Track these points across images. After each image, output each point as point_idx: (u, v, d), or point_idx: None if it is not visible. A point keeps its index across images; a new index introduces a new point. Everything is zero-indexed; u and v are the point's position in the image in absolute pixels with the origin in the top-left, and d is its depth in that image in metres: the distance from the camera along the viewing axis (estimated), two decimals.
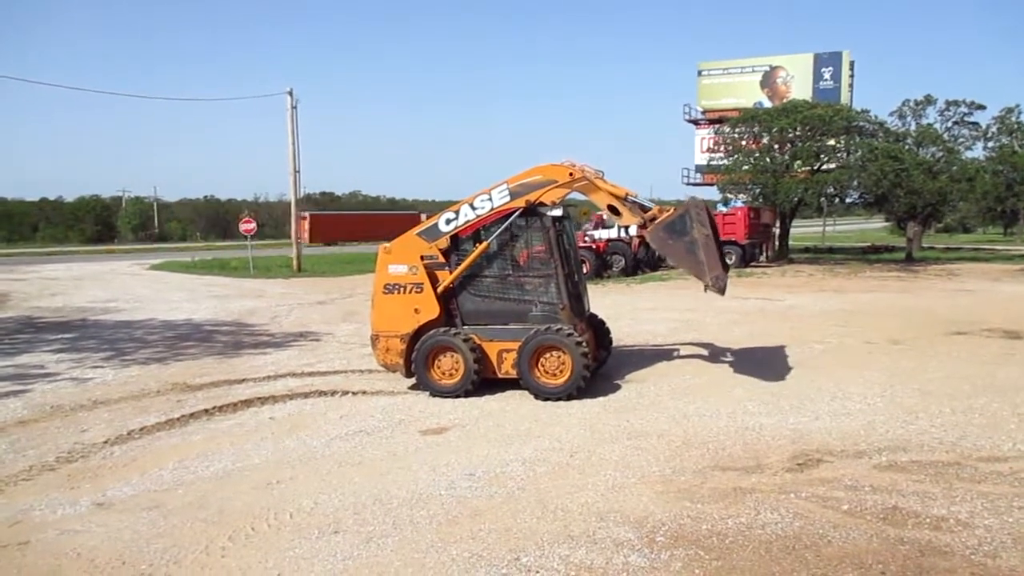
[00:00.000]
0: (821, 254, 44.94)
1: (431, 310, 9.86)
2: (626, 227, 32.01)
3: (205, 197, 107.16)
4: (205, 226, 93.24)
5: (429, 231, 9.99)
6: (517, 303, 9.92)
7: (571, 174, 9.62)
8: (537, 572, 4.91)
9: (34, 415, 9.15)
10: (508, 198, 9.66)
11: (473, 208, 9.77)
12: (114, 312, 19.68)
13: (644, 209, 9.86)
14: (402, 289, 9.93)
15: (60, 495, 6.54)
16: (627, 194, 9.89)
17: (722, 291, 9.17)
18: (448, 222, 9.89)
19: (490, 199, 9.72)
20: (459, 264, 9.89)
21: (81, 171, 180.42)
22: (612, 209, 9.87)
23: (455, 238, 9.96)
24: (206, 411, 9.22)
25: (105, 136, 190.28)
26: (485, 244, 9.79)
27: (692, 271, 9.33)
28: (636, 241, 31.16)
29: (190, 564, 5.17)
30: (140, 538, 5.61)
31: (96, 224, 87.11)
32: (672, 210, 9.61)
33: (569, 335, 9.36)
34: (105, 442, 8.03)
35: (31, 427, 8.66)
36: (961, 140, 40.71)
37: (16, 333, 16.08)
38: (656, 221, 9.48)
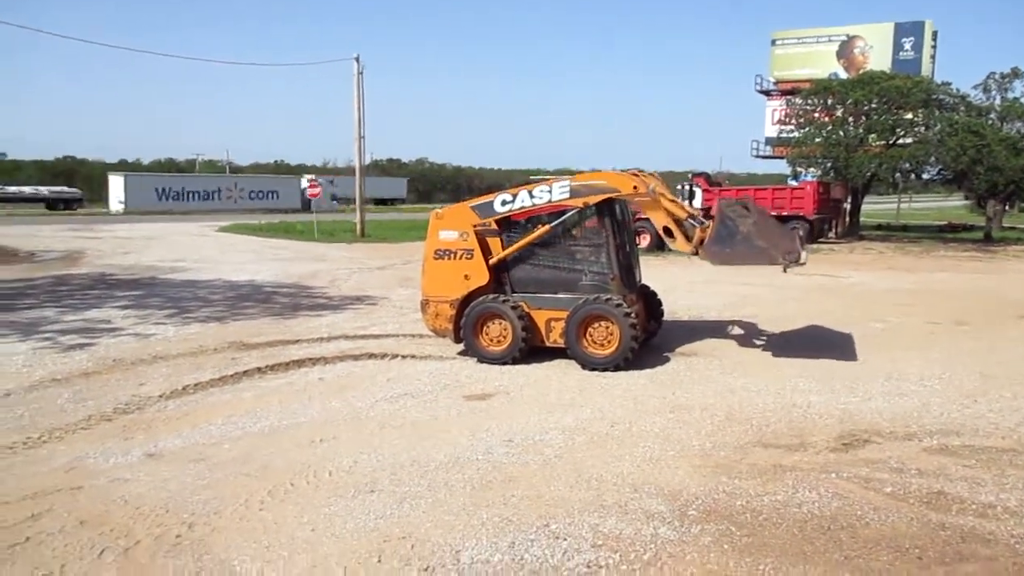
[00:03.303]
0: (894, 231, 43.54)
1: (481, 276, 9.88)
2: (690, 199, 31.60)
3: (276, 162, 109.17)
4: None
5: (483, 208, 9.97)
6: (567, 272, 9.88)
7: (635, 187, 9.51)
8: (565, 539, 4.92)
9: (97, 367, 9.51)
10: (568, 195, 9.58)
11: (531, 196, 9.71)
12: (181, 271, 20.29)
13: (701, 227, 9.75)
14: (453, 255, 9.98)
15: (114, 444, 6.79)
16: (689, 215, 9.78)
17: (798, 262, 9.06)
18: (504, 203, 9.85)
19: (550, 192, 9.65)
20: (511, 237, 9.92)
21: (159, 134, 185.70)
22: (667, 231, 9.76)
23: (508, 218, 9.94)
24: (259, 369, 9.44)
25: (179, 101, 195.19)
26: (547, 227, 9.73)
27: (763, 262, 9.32)
28: (700, 214, 30.63)
29: (229, 515, 5.33)
30: (185, 489, 5.80)
31: None
32: (710, 223, 9.45)
33: (618, 305, 9.28)
34: (160, 396, 8.30)
35: (93, 379, 9.01)
36: None
37: (88, 289, 16.71)
38: (704, 242, 9.35)
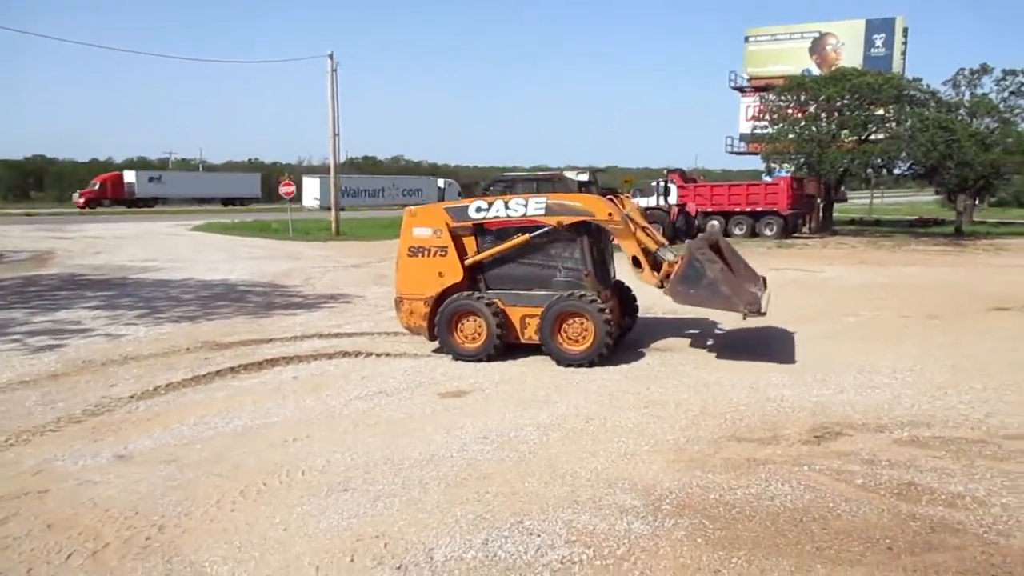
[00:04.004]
0: (867, 226, 44.02)
1: (455, 274, 9.86)
2: (665, 195, 31.76)
3: (250, 160, 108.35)
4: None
5: (457, 212, 9.93)
6: (541, 269, 9.88)
7: (610, 213, 9.53)
8: (539, 535, 4.91)
9: (66, 369, 9.37)
10: (542, 212, 9.59)
11: (506, 207, 9.70)
12: (153, 271, 20.06)
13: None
14: (426, 252, 9.94)
15: (83, 447, 6.69)
16: (659, 245, 9.87)
17: (759, 312, 9.13)
18: (479, 210, 9.82)
19: (525, 206, 9.65)
20: (485, 239, 9.96)
21: (131, 133, 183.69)
22: (635, 262, 9.82)
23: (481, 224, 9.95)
24: (232, 369, 9.35)
25: (153, 99, 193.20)
26: (525, 237, 9.73)
27: (724, 308, 9.39)
28: (675, 210, 30.83)
29: (200, 517, 5.26)
30: (155, 490, 5.72)
31: None
32: (679, 260, 9.49)
33: (592, 302, 9.29)
34: (131, 397, 8.19)
35: (62, 380, 8.87)
36: (1018, 111, 39.30)
37: (57, 290, 16.47)
38: (671, 277, 9.39)
